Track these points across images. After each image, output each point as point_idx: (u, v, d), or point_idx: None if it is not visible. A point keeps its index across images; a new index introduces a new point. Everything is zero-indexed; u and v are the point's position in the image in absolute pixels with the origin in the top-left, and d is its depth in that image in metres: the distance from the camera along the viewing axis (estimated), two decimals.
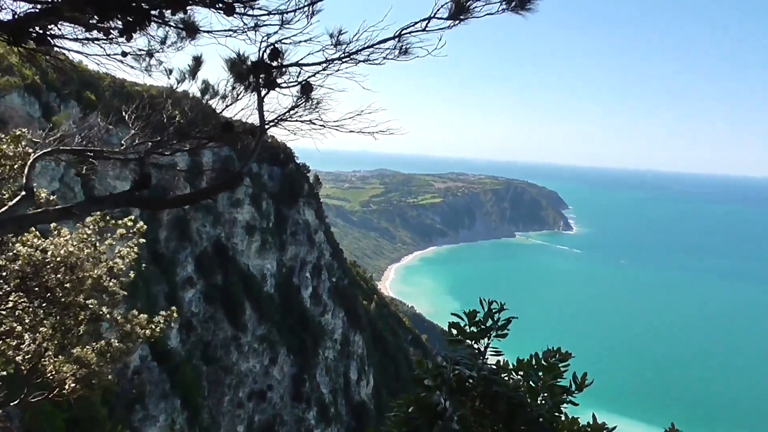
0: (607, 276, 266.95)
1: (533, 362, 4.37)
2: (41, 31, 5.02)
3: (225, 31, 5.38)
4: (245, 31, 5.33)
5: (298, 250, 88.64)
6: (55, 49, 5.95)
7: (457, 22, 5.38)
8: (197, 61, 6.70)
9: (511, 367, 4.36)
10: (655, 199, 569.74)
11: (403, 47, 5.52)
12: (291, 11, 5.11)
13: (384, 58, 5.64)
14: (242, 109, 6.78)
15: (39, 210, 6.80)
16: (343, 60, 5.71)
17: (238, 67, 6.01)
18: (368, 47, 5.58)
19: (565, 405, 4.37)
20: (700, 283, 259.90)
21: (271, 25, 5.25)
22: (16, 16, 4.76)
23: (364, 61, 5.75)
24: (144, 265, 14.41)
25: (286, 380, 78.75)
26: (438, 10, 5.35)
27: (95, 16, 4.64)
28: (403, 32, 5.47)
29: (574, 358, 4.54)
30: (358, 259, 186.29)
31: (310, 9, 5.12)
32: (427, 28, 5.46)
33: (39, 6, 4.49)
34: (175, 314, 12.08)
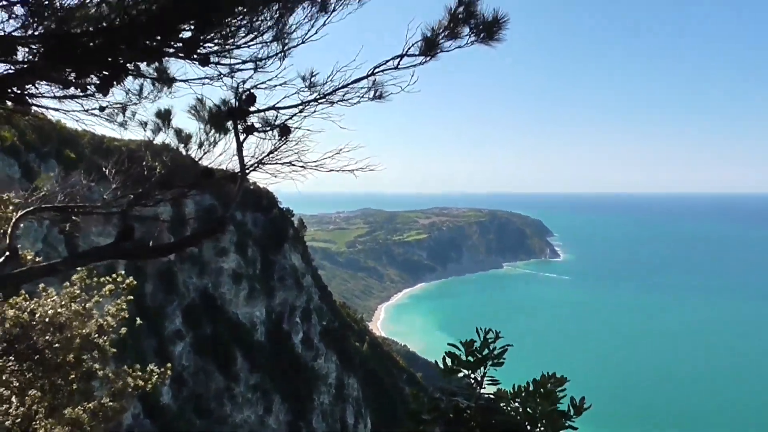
0: (596, 300, 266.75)
1: (530, 389, 4.35)
2: (19, 91, 5.05)
3: (200, 79, 5.46)
4: (221, 77, 5.41)
5: (287, 296, 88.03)
6: (34, 108, 6.00)
7: (428, 58, 5.49)
8: (167, 112, 6.74)
9: (508, 395, 4.34)
10: (639, 221, 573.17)
11: (377, 88, 5.61)
12: (264, 59, 5.21)
13: (359, 97, 5.71)
14: (221, 154, 6.84)
15: (23, 269, 6.75)
16: (319, 101, 5.79)
17: (215, 115, 6.07)
18: (342, 87, 5.67)
19: (565, 430, 4.35)
20: (691, 303, 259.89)
21: (245, 70, 5.34)
22: None
23: (339, 102, 5.83)
24: (138, 321, 14.30)
25: (282, 429, 77.47)
26: (410, 48, 5.46)
27: (72, 74, 4.68)
28: (375, 71, 5.56)
29: (569, 383, 4.53)
30: (348, 300, 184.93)
31: (283, 53, 5.22)
32: (399, 66, 5.55)
33: (16, 66, 4.52)
34: (169, 371, 11.92)
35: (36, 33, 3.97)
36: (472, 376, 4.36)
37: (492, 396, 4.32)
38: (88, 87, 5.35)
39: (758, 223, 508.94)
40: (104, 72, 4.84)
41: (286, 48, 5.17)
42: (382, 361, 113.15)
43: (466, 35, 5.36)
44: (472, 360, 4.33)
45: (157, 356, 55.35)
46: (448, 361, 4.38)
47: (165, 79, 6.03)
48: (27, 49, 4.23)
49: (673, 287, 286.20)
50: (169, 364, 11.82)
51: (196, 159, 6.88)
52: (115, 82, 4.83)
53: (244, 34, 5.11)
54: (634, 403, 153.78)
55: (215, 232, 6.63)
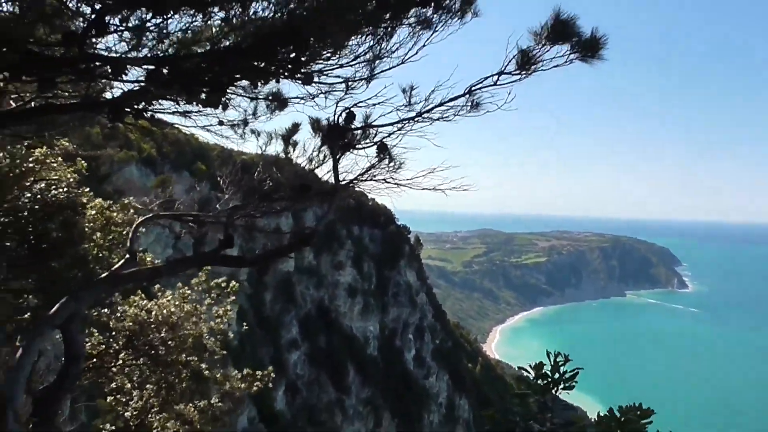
0: (727, 337, 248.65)
1: (609, 417, 4.21)
2: (137, 107, 5.50)
3: (302, 98, 5.74)
4: (314, 98, 5.66)
5: (401, 312, 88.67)
6: (167, 122, 6.56)
7: (525, 74, 5.48)
8: (295, 127, 7.04)
9: (583, 422, 4.23)
10: None
11: (474, 103, 5.65)
12: (357, 80, 5.42)
13: (456, 114, 5.78)
14: (328, 171, 7.06)
15: (131, 270, 7.32)
16: (416, 120, 5.90)
17: (316, 130, 6.33)
18: (440, 105, 5.75)
19: None
20: None
21: (337, 92, 5.57)
22: (115, 96, 5.30)
23: (438, 119, 5.91)
24: (245, 326, 15.08)
25: None
26: (508, 64, 5.48)
27: (182, 92, 5.05)
28: (473, 88, 5.61)
29: (655, 415, 4.34)
30: (462, 320, 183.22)
31: (371, 76, 5.41)
32: (497, 83, 5.58)
33: (132, 87, 4.96)
34: (272, 374, 12.35)
35: (145, 55, 4.36)
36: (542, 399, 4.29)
37: (563, 421, 4.23)
38: (205, 103, 5.73)
39: None
40: (212, 90, 5.19)
41: (373, 72, 5.35)
42: (495, 384, 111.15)
43: (566, 53, 5.33)
44: (541, 383, 4.26)
45: (273, 364, 57.15)
46: (520, 384, 4.34)
47: (275, 98, 6.37)
48: (138, 70, 4.64)
49: None
50: (270, 368, 12.25)
51: (305, 172, 7.17)
52: (219, 100, 5.17)
53: (345, 56, 5.34)
54: None
55: (304, 244, 6.89)
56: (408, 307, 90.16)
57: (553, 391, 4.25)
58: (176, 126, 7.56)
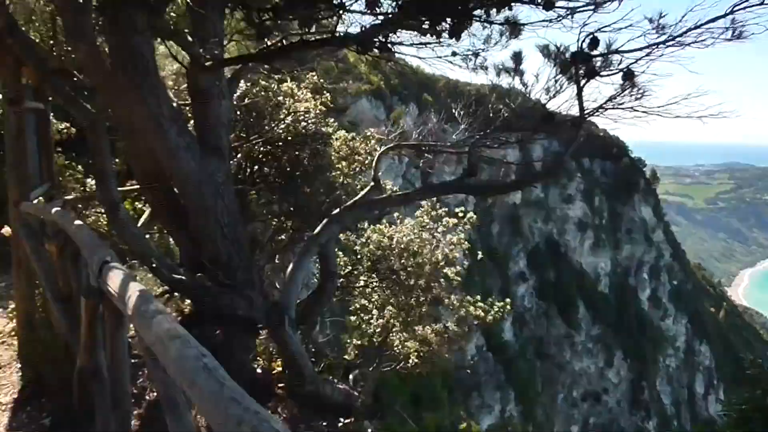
0: None
1: None
2: (383, 40, 5.77)
3: (542, 22, 5.56)
4: (561, 20, 5.43)
5: (635, 250, 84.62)
6: (396, 55, 6.81)
7: None
8: (518, 57, 6.95)
9: None
10: None
11: (736, 27, 5.12)
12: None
13: (713, 38, 5.28)
14: (565, 101, 6.87)
15: (384, 196, 7.90)
16: (668, 44, 5.49)
17: (558, 58, 6.15)
18: (695, 28, 5.29)
19: None
20: None
21: (585, 11, 5.28)
22: (362, 29, 5.61)
23: (691, 44, 5.46)
24: (479, 255, 15.63)
25: (623, 385, 75.67)
26: None
27: (427, 22, 5.21)
28: (736, 8, 5.07)
29: None
30: (704, 261, 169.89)
31: None
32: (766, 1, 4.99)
33: (380, 18, 5.21)
34: (508, 306, 12.61)
35: None
36: None
37: None
38: (442, 34, 5.85)
39: None
40: (455, 19, 5.29)
41: None
42: (743, 332, 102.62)
43: None
44: None
45: (500, 295, 57.89)
46: None
47: (511, 25, 6.28)
48: (390, 2, 4.87)
49: None
50: (508, 300, 12.52)
51: (542, 103, 7.07)
52: (464, 29, 5.24)
53: None
54: None
55: (551, 174, 6.83)
56: (643, 244, 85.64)
57: None
58: (413, 57, 7.79)
